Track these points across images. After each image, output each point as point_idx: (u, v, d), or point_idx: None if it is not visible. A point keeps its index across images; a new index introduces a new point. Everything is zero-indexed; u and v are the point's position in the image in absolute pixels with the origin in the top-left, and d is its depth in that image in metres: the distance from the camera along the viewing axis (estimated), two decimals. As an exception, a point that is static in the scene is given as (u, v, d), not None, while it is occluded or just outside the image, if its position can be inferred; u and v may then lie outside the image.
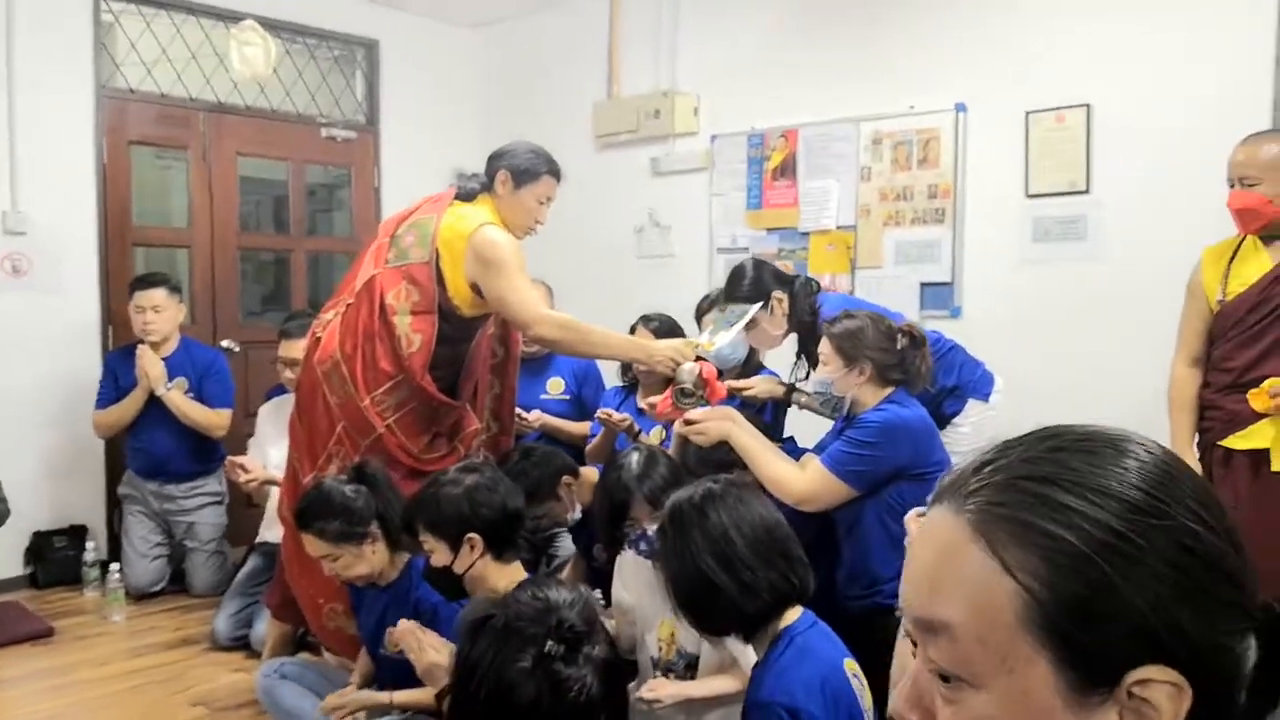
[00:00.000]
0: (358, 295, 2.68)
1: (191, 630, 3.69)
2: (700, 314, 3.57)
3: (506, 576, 2.10)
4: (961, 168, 4.12)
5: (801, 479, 2.38)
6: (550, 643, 1.39)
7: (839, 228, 4.49)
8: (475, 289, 2.71)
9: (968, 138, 4.10)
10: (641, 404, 3.49)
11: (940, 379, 3.07)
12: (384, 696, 2.31)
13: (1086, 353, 3.78)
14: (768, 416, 3.03)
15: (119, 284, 4.41)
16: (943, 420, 3.06)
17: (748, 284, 2.99)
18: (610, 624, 2.61)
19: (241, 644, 3.47)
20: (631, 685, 2.44)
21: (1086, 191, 3.80)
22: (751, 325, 2.96)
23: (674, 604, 1.81)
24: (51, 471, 4.27)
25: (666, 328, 3.46)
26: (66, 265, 4.28)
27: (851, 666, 1.74)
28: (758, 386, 3.00)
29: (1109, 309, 3.74)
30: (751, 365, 3.28)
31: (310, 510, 2.35)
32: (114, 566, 3.91)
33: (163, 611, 3.94)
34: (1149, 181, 3.65)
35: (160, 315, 4.01)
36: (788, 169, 4.67)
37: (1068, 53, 3.81)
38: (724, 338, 2.93)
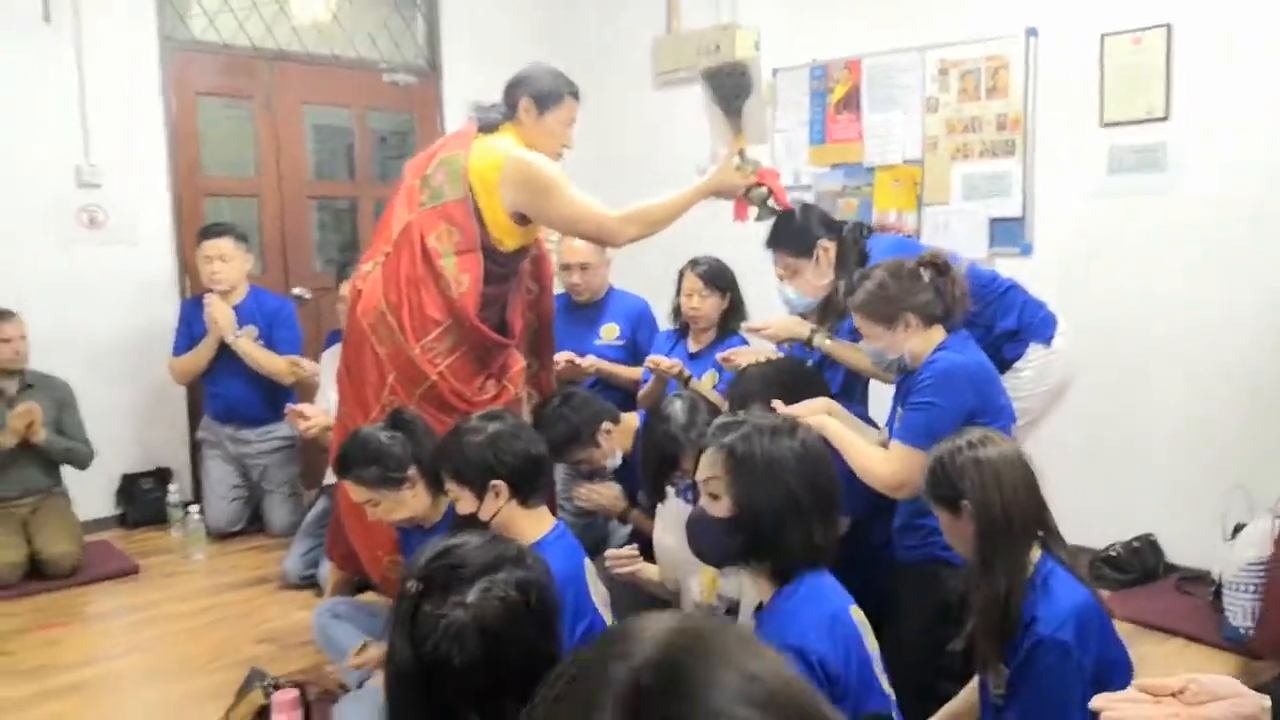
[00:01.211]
0: (396, 243, 2.66)
1: (267, 569, 3.84)
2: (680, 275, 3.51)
3: (534, 522, 2.13)
4: (1032, 96, 3.94)
5: (887, 465, 2.31)
6: (411, 582, 1.33)
7: (905, 162, 4.36)
8: (517, 218, 2.67)
9: (1039, 64, 3.92)
10: (693, 348, 3.48)
11: (999, 321, 2.96)
12: None
13: (1164, 292, 3.62)
14: (835, 388, 2.90)
15: (192, 234, 4.53)
16: (1003, 365, 2.94)
17: (794, 231, 2.88)
18: (653, 569, 2.64)
19: (310, 583, 3.60)
20: None
21: (1166, 119, 3.60)
22: (794, 267, 2.87)
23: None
24: (136, 417, 4.46)
25: (715, 270, 3.42)
26: (141, 217, 4.41)
27: (856, 613, 1.72)
28: (774, 326, 2.90)
29: (1189, 244, 3.56)
30: (835, 307, 3.18)
31: (348, 457, 2.41)
32: (193, 508, 4.08)
33: (241, 551, 4.12)
34: (1233, 108, 3.44)
35: (227, 264, 4.12)
36: (851, 102, 4.53)
37: (1147, -31, 3.60)
38: (755, 131, 2.89)
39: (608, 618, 2.16)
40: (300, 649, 3.07)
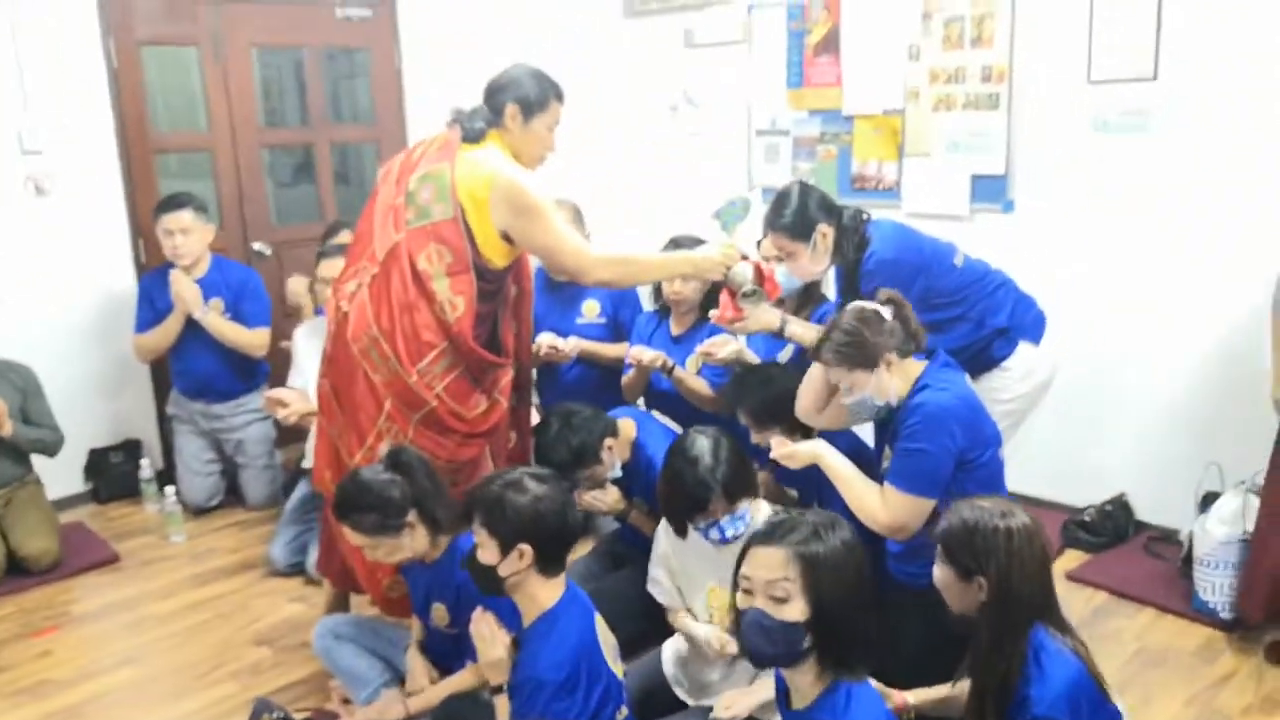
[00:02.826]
0: (383, 265, 2.54)
1: (249, 551, 3.82)
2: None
3: (548, 589, 2.12)
4: (1018, 49, 3.82)
5: (885, 510, 2.33)
6: None
7: (885, 112, 4.24)
8: (504, 237, 2.59)
9: (1026, 16, 3.79)
10: (675, 331, 3.44)
11: (990, 317, 2.95)
12: (396, 710, 2.51)
13: (1147, 257, 3.61)
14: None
15: (144, 194, 4.34)
16: (992, 362, 2.96)
17: (791, 214, 2.81)
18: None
19: (298, 570, 3.59)
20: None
21: (1154, 79, 3.52)
22: (790, 250, 2.82)
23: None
24: (100, 389, 4.34)
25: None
26: (89, 180, 4.19)
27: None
28: (750, 318, 2.83)
29: (1173, 208, 3.54)
30: (814, 295, 3.16)
31: (346, 503, 2.37)
32: (169, 489, 4.01)
33: (221, 529, 4.07)
34: (1224, 71, 3.37)
35: (189, 237, 3.94)
36: (831, 44, 4.37)
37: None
38: (743, 231, 2.92)
39: (618, 671, 2.18)
40: (298, 652, 3.08)
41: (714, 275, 2.82)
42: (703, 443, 2.44)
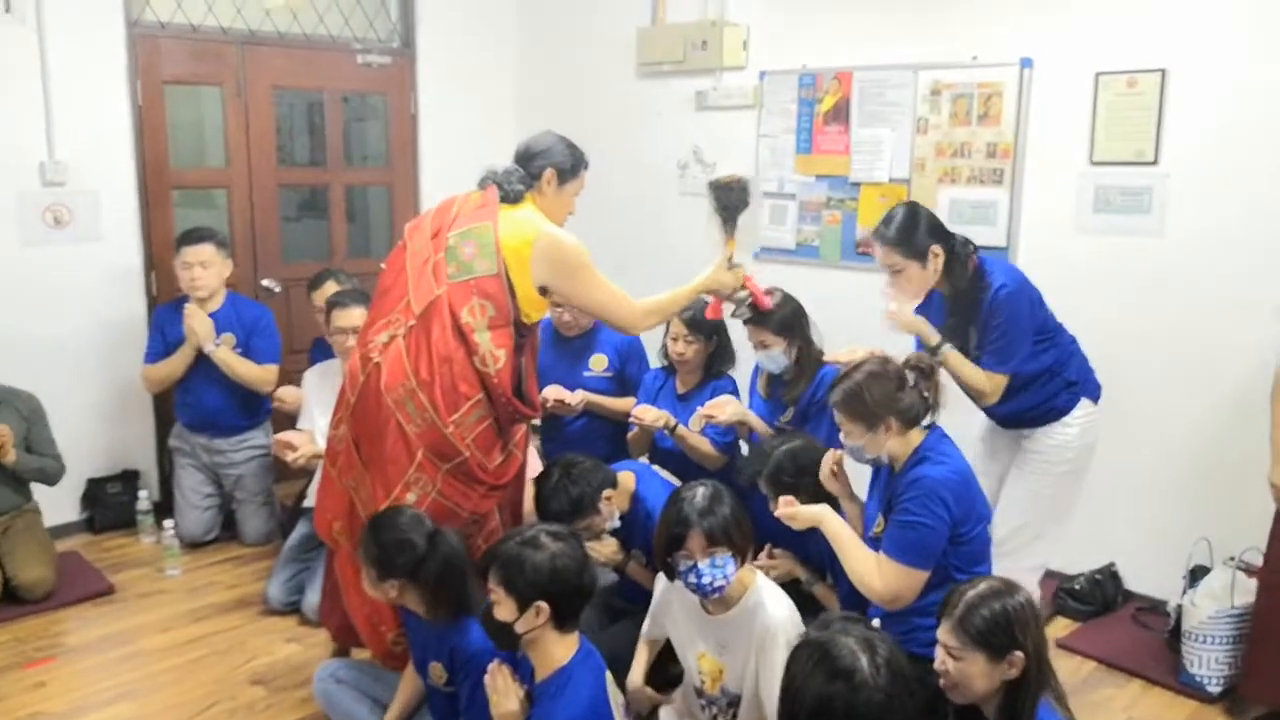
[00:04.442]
0: (422, 317, 2.57)
1: (246, 589, 3.82)
2: None
3: (563, 645, 2.15)
4: (1024, 127, 3.94)
5: (881, 580, 2.37)
6: None
7: (891, 180, 4.35)
8: (542, 291, 2.68)
9: (1032, 96, 3.91)
10: (681, 389, 3.50)
11: (1063, 369, 3.07)
12: None
13: (1143, 334, 3.70)
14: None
15: (159, 229, 4.39)
16: (1056, 413, 3.05)
17: (905, 230, 2.89)
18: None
19: (294, 609, 3.60)
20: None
21: (1154, 163, 3.63)
22: (901, 267, 2.90)
23: None
24: (102, 419, 4.36)
25: (700, 316, 3.36)
26: (106, 213, 4.25)
27: None
28: (906, 318, 2.98)
29: (1170, 288, 3.63)
30: (806, 368, 3.23)
31: (372, 527, 2.46)
32: (168, 523, 4.02)
33: (216, 564, 4.07)
34: (1222, 158, 3.48)
35: (207, 271, 4.00)
36: (840, 114, 4.48)
37: (1145, 12, 3.58)
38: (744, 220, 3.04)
39: (625, 725, 2.21)
40: (294, 693, 3.08)
41: (727, 292, 2.98)
42: (701, 489, 2.48)
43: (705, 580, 2.41)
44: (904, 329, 3.02)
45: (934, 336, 2.94)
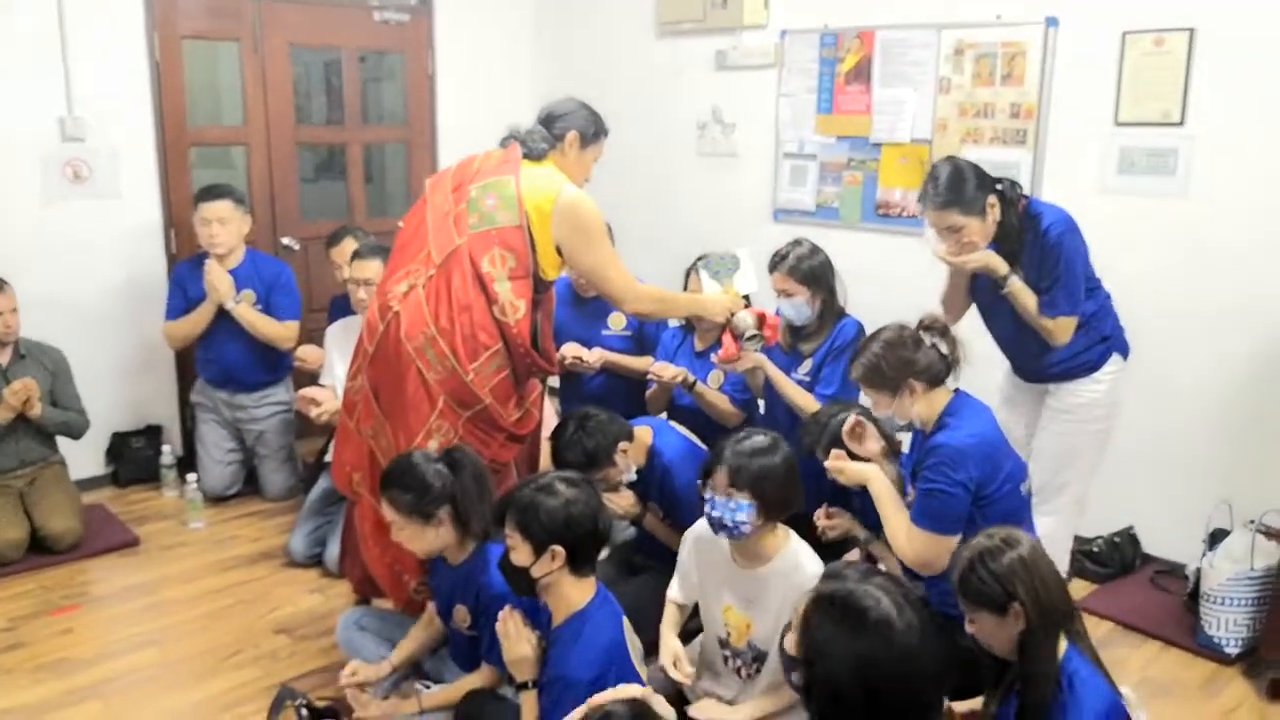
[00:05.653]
0: (442, 267, 2.59)
1: (268, 542, 3.87)
2: (687, 273, 3.57)
3: (580, 589, 2.17)
4: (1048, 88, 3.90)
5: (910, 546, 2.40)
6: None
7: (913, 140, 4.32)
8: (558, 250, 2.69)
9: (1057, 55, 3.87)
10: (699, 346, 3.51)
11: (1099, 323, 3.06)
12: (411, 705, 2.51)
13: (1164, 295, 3.67)
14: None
15: (178, 185, 4.40)
16: (1089, 367, 3.05)
17: (958, 187, 2.84)
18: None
19: (316, 561, 3.64)
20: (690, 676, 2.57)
21: (1181, 124, 3.59)
22: (959, 224, 2.87)
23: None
24: (125, 374, 4.39)
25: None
26: (125, 169, 4.26)
27: None
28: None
29: (1193, 250, 3.60)
30: (826, 320, 3.23)
31: (391, 477, 2.44)
32: (191, 476, 4.06)
33: (239, 518, 4.12)
34: (1250, 120, 3.44)
35: (225, 227, 4.01)
36: (862, 73, 4.44)
37: (1175, -32, 3.54)
38: (739, 282, 3.15)
39: (643, 674, 2.23)
40: (317, 641, 3.13)
41: (718, 319, 3.09)
42: (760, 437, 2.47)
43: (715, 514, 2.42)
44: (973, 267, 2.94)
45: (1002, 267, 2.91)
